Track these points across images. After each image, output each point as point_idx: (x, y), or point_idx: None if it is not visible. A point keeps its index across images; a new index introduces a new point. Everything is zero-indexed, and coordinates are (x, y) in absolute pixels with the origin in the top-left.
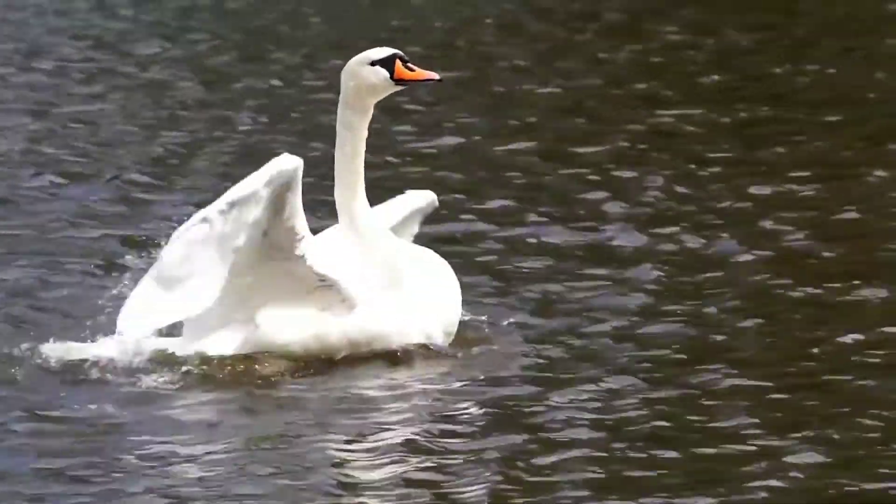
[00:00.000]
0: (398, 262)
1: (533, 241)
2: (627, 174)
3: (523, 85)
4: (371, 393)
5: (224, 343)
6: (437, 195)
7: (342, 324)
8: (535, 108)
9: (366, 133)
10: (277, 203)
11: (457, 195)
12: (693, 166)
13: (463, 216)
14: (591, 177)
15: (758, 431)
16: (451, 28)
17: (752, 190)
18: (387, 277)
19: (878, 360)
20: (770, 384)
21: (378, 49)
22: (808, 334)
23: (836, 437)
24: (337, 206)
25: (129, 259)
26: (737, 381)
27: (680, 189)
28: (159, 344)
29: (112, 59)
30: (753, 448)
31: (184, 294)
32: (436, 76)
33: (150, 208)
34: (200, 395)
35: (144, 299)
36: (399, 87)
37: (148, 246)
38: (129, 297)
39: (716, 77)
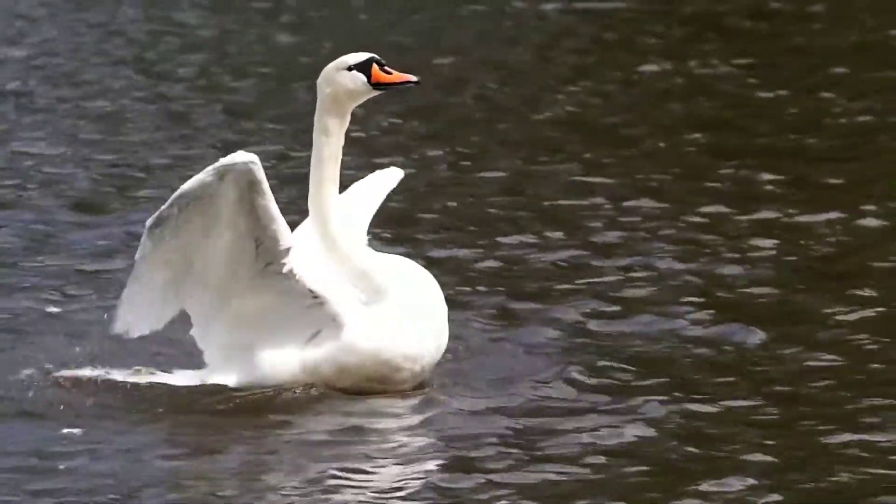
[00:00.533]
0: (378, 274)
1: (492, 266)
2: (604, 199)
3: (488, 112)
4: (346, 430)
5: (221, 378)
6: (401, 225)
7: (332, 349)
8: (499, 134)
9: (342, 140)
10: (246, 206)
11: (422, 222)
12: (669, 194)
13: (426, 243)
14: (560, 202)
15: (733, 456)
16: (419, 54)
17: (734, 215)
18: (369, 291)
19: (861, 378)
20: (752, 407)
21: (354, 54)
22: (791, 359)
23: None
24: (310, 215)
25: (81, 287)
26: (725, 407)
27: (659, 214)
28: (157, 377)
29: (73, 90)
30: (734, 473)
31: (168, 296)
32: (413, 78)
33: (103, 233)
34: (174, 431)
35: (134, 301)
36: (377, 92)
37: (100, 275)
38: (119, 302)
39: (692, 104)
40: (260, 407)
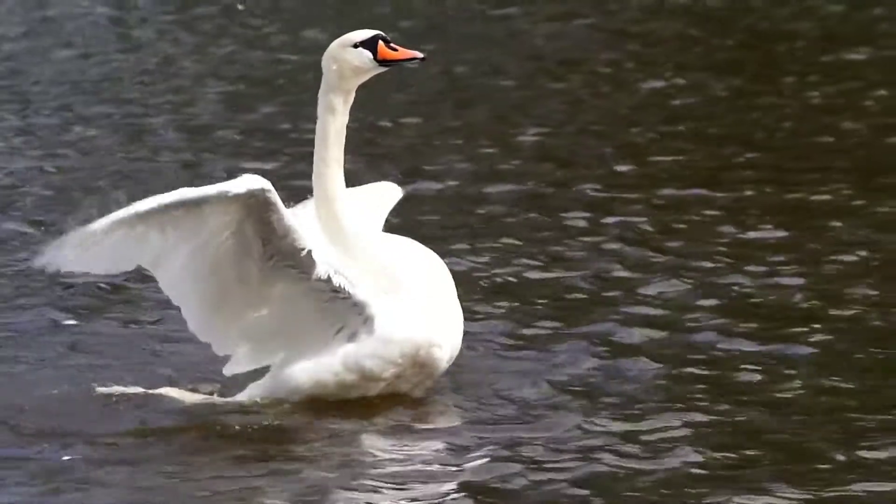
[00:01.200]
0: (387, 258)
1: (512, 280)
2: (607, 219)
3: (504, 129)
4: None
5: (251, 392)
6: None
7: (371, 343)
8: (514, 153)
9: (346, 119)
10: (256, 222)
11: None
12: (666, 211)
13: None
14: (571, 220)
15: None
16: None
17: (727, 234)
18: (378, 275)
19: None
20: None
21: (360, 31)
22: (767, 379)
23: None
24: (315, 196)
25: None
26: (739, 423)
27: (660, 229)
28: (189, 396)
29: (37, 111)
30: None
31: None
32: (420, 55)
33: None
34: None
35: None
36: (383, 69)
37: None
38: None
39: (693, 123)
40: (253, 434)
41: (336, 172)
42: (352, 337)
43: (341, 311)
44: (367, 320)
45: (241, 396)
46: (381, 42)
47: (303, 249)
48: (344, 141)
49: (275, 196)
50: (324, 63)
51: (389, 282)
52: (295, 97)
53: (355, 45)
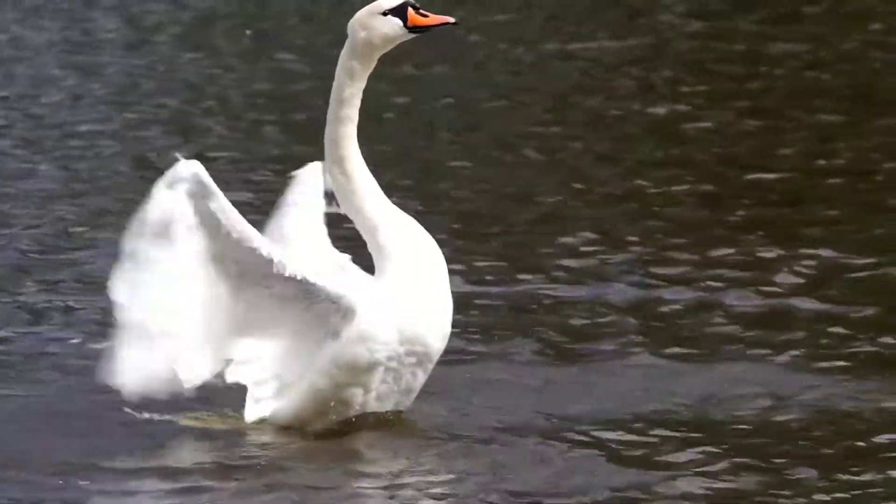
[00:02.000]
0: (386, 232)
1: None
2: (593, 235)
3: (467, 153)
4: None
5: (257, 412)
6: None
7: (352, 332)
8: (471, 177)
9: (364, 83)
10: (208, 220)
11: None
12: (641, 234)
13: None
14: (527, 241)
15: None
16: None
17: (719, 254)
18: (373, 246)
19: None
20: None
21: None
22: (765, 406)
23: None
24: (326, 154)
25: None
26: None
27: (634, 255)
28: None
29: (46, 130)
30: None
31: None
32: (451, 19)
33: (65, 271)
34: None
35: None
36: (413, 35)
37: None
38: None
39: (666, 145)
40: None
41: (350, 132)
42: (335, 335)
43: (323, 308)
44: (347, 312)
45: (244, 423)
46: (410, 8)
47: (255, 247)
48: (359, 105)
49: (206, 175)
50: (351, 29)
51: (376, 252)
52: (255, 119)
53: (384, 13)
